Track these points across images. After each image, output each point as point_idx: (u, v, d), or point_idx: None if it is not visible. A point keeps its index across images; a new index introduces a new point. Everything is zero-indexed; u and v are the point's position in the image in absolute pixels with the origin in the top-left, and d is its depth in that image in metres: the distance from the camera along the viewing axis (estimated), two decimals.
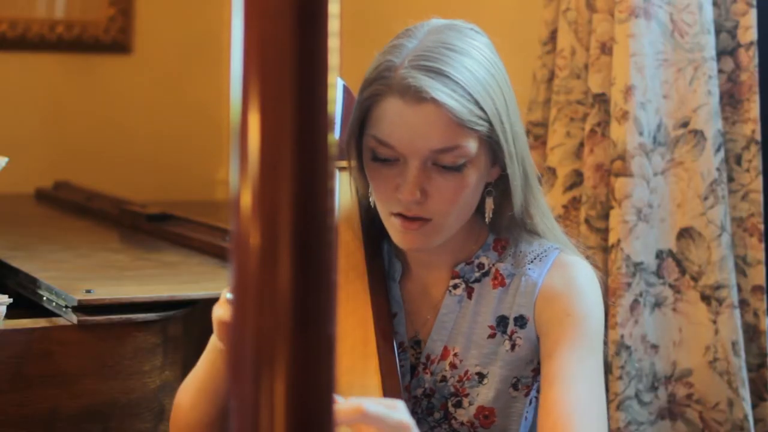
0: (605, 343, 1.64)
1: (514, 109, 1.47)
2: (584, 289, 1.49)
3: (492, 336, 1.50)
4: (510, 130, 1.45)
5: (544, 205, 1.54)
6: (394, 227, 1.44)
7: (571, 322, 1.45)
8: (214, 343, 1.49)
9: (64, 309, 1.76)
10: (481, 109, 1.40)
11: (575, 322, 1.45)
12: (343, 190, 1.58)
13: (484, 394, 1.48)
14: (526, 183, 1.49)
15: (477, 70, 1.42)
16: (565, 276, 1.49)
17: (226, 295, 1.41)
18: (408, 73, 1.40)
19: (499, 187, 1.49)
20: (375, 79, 1.43)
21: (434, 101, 1.38)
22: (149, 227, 2.47)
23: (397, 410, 1.23)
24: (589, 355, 1.44)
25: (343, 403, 1.21)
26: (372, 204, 1.52)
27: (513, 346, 1.49)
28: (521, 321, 1.49)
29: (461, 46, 1.43)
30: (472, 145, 1.41)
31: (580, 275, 1.50)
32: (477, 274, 1.52)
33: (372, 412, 1.20)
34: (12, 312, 1.75)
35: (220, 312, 1.42)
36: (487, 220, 1.49)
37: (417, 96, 1.38)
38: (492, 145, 1.44)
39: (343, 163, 1.55)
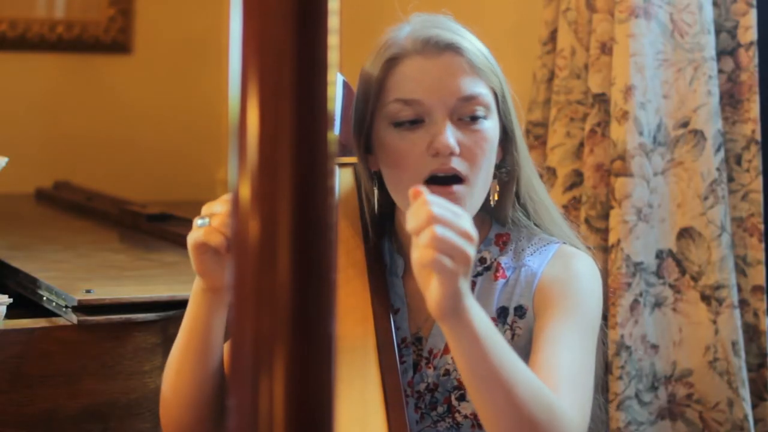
0: (605, 343, 1.64)
1: (511, 92, 1.53)
2: (581, 277, 1.49)
3: None
4: (511, 101, 1.51)
5: (545, 190, 1.56)
6: None
7: (566, 303, 1.45)
8: (195, 289, 1.43)
9: (64, 309, 1.76)
10: (492, 64, 1.49)
11: (569, 305, 1.45)
12: (344, 186, 1.59)
13: None
14: (528, 164, 1.53)
15: (480, 42, 1.51)
16: (564, 264, 1.50)
17: (196, 221, 1.39)
18: (421, 32, 1.47)
19: (501, 169, 1.51)
20: (386, 50, 1.48)
21: (455, 48, 1.45)
22: (149, 227, 2.46)
23: (462, 218, 1.21)
24: (578, 332, 1.43)
25: (419, 204, 1.19)
26: (376, 200, 1.52)
27: (513, 336, 1.49)
28: (520, 311, 1.49)
29: (461, 26, 1.52)
30: (489, 97, 1.47)
31: (580, 265, 1.51)
32: (479, 269, 1.52)
33: (439, 215, 1.18)
34: (12, 312, 1.75)
35: (195, 235, 1.37)
36: (492, 202, 1.50)
37: (436, 47, 1.46)
38: (502, 107, 1.49)
39: (344, 160, 1.55)
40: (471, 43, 1.47)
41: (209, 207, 1.40)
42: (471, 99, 1.45)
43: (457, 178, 1.44)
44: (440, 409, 1.50)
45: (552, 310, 1.44)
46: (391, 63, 1.47)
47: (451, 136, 1.43)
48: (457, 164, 1.43)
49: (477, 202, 1.47)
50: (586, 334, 1.44)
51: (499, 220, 1.55)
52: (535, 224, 1.54)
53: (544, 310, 1.46)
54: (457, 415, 1.49)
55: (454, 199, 1.43)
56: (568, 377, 1.37)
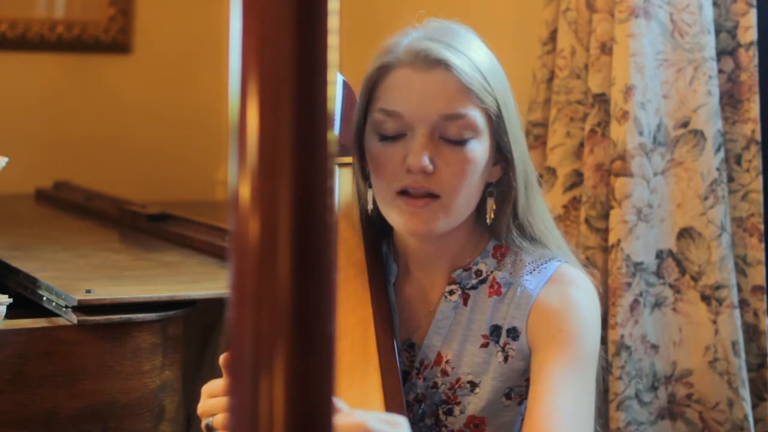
0: (604, 368, 1.62)
1: (514, 105, 1.48)
2: (579, 307, 1.45)
3: (485, 345, 1.48)
4: (513, 120, 1.46)
5: (545, 208, 1.53)
6: (399, 210, 1.42)
7: (563, 338, 1.42)
8: None
9: (64, 309, 1.76)
10: (489, 84, 1.43)
11: (567, 339, 1.42)
12: (344, 186, 1.58)
13: (475, 404, 1.46)
14: (527, 181, 1.49)
15: (484, 54, 1.46)
16: (562, 291, 1.46)
17: (203, 426, 1.39)
18: (417, 43, 1.43)
19: (500, 187, 1.49)
20: (382, 55, 1.46)
21: (445, 65, 1.40)
22: (149, 227, 2.46)
23: (400, 428, 1.19)
24: (578, 372, 1.41)
25: (345, 416, 1.15)
26: (371, 205, 1.52)
27: (506, 358, 1.46)
28: (514, 333, 1.46)
29: (466, 34, 1.47)
30: (479, 118, 1.42)
31: (578, 292, 1.47)
32: (474, 281, 1.50)
33: (374, 429, 1.16)
34: (12, 312, 1.75)
35: None
36: (488, 220, 1.48)
37: (427, 61, 1.41)
38: (496, 128, 1.44)
39: (344, 160, 1.55)
40: (467, 61, 1.42)
41: (208, 396, 1.39)
42: (455, 118, 1.41)
43: (430, 194, 1.41)
44: (428, 422, 1.48)
45: (550, 349, 1.41)
46: (383, 70, 1.45)
47: (425, 155, 1.39)
48: (431, 183, 1.40)
49: (454, 220, 1.44)
50: (585, 371, 1.42)
51: (495, 236, 1.53)
52: (532, 236, 1.52)
53: (541, 345, 1.43)
54: (444, 429, 1.47)
55: (426, 212, 1.41)
56: (570, 426, 1.36)
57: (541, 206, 1.52)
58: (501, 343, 1.47)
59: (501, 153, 1.47)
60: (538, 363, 1.42)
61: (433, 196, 1.41)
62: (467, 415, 1.46)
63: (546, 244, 1.51)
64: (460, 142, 1.41)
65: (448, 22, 1.49)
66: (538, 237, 1.50)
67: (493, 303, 1.48)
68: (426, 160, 1.39)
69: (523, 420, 1.46)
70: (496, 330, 1.48)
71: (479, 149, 1.43)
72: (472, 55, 1.44)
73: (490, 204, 1.48)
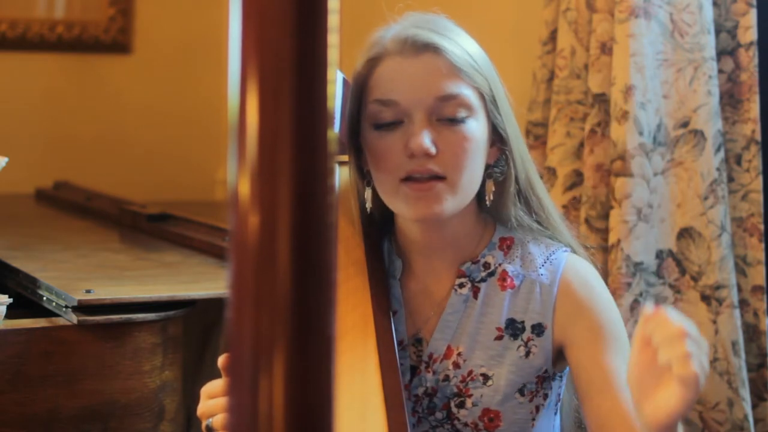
0: None
1: (503, 88, 1.50)
2: (601, 293, 1.49)
3: (499, 338, 1.48)
4: (504, 100, 1.49)
5: (545, 189, 1.55)
6: (405, 197, 1.43)
7: (603, 333, 1.45)
8: None
9: (64, 309, 1.75)
10: (477, 63, 1.46)
11: (606, 332, 1.46)
12: (343, 184, 1.58)
13: (490, 397, 1.47)
14: (523, 157, 1.51)
15: (468, 38, 1.49)
16: (580, 282, 1.49)
17: (203, 426, 1.41)
18: (404, 31, 1.46)
19: (498, 168, 1.50)
20: (369, 50, 1.48)
21: (434, 48, 1.43)
22: (149, 227, 2.46)
23: (702, 342, 1.24)
24: (622, 352, 1.45)
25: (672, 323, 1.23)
26: (370, 203, 1.52)
27: (528, 354, 1.47)
28: (539, 329, 1.48)
29: (448, 22, 1.50)
30: (472, 97, 1.44)
31: (592, 277, 1.51)
32: (483, 274, 1.51)
33: (691, 332, 1.22)
34: (12, 312, 1.75)
35: None
36: (487, 201, 1.49)
37: (415, 47, 1.44)
38: (490, 107, 1.47)
39: (344, 158, 1.55)
40: (454, 43, 1.45)
41: (208, 397, 1.42)
42: (450, 99, 1.43)
43: (436, 177, 1.42)
44: (439, 415, 1.48)
45: (595, 348, 1.45)
46: (372, 63, 1.47)
47: (426, 137, 1.41)
48: (435, 165, 1.42)
49: (461, 201, 1.45)
50: (624, 346, 1.47)
51: (501, 221, 1.54)
52: (536, 223, 1.53)
53: (582, 344, 1.45)
54: (456, 422, 1.47)
55: (433, 195, 1.42)
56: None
57: (542, 186, 1.54)
58: (524, 338, 1.48)
59: (496, 133, 1.49)
60: (585, 360, 1.45)
61: (437, 178, 1.42)
62: (482, 408, 1.47)
63: (548, 226, 1.52)
64: (457, 121, 1.43)
65: (426, 14, 1.50)
66: (546, 214, 1.52)
67: (509, 296, 1.49)
68: (428, 141, 1.41)
69: (543, 415, 1.49)
70: (512, 323, 1.48)
71: (476, 127, 1.45)
72: (458, 39, 1.47)
73: (489, 185, 1.49)
